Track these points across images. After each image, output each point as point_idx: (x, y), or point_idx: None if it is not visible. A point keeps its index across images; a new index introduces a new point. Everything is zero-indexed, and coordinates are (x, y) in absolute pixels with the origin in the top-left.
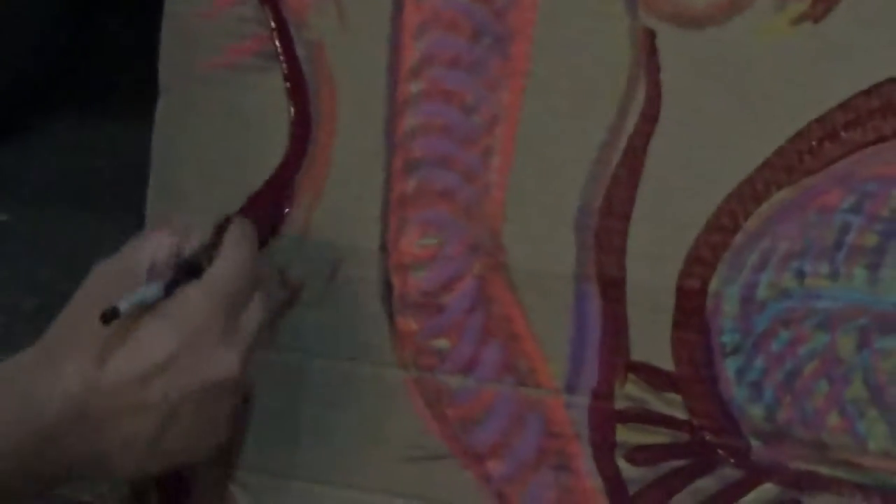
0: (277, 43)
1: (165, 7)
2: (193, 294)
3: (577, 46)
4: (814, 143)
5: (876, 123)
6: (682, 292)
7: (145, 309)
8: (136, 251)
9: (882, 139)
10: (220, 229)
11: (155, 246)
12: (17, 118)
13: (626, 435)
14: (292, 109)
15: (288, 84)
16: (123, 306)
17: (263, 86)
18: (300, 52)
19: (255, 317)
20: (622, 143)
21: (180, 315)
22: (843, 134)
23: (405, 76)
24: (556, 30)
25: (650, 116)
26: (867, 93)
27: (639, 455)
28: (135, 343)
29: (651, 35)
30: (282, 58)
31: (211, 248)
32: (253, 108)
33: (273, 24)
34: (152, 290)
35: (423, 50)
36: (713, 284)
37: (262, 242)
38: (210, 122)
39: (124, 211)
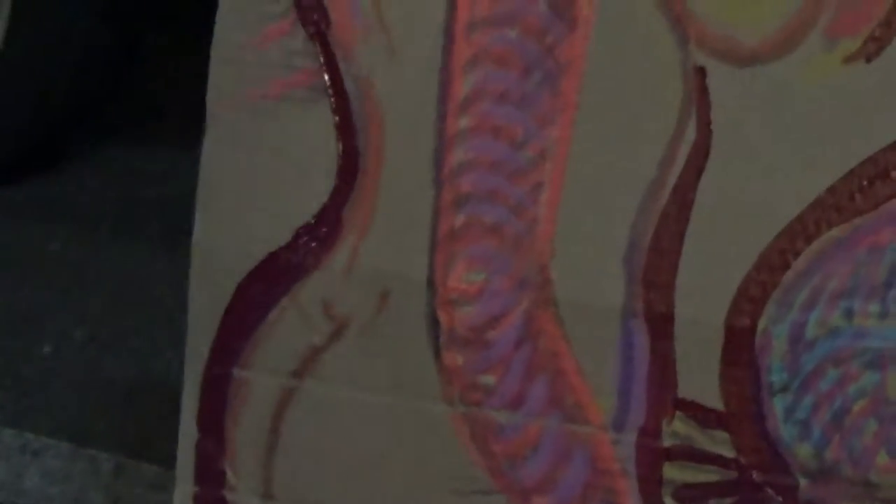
0: (326, 77)
1: (215, 35)
2: None
3: (627, 82)
4: (864, 182)
5: None
6: (730, 330)
7: None
8: None
9: None
10: None
11: None
12: (67, 147)
13: (674, 473)
14: (340, 143)
15: (336, 118)
16: None
17: (312, 119)
18: (348, 85)
19: None
20: (672, 179)
21: None
22: (893, 173)
23: (454, 110)
24: (606, 65)
25: (701, 153)
26: None
27: (686, 493)
28: None
29: (702, 72)
30: (330, 91)
31: None
32: (301, 140)
33: (322, 58)
34: None
35: (472, 84)
36: (762, 322)
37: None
38: (258, 153)
39: (172, 240)
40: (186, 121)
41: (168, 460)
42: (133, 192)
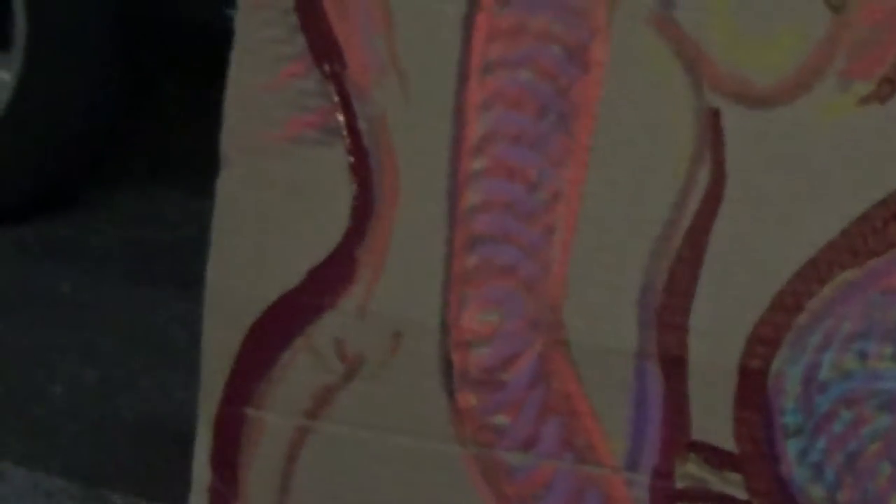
0: (340, 117)
1: (230, 76)
2: None
3: (641, 124)
4: (878, 224)
5: None
6: (744, 372)
7: None
8: None
9: None
10: None
11: None
12: (77, 189)
13: None
14: (354, 184)
15: (351, 158)
16: None
17: (326, 160)
18: (363, 125)
19: None
20: (686, 222)
21: None
22: None
23: (468, 152)
24: (620, 107)
25: (714, 195)
26: None
27: None
28: None
29: (716, 114)
30: (345, 132)
31: None
32: (315, 181)
33: (336, 98)
34: None
35: (487, 126)
36: (775, 364)
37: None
38: (272, 194)
39: (183, 282)
40: (199, 165)
41: (180, 502)
42: (145, 235)
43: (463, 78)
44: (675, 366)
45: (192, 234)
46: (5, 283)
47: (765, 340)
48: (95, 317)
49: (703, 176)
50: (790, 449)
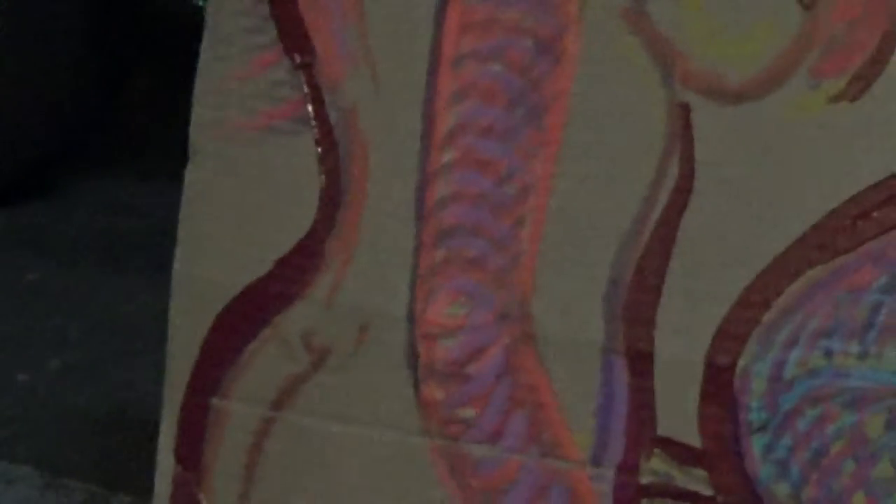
0: (310, 108)
1: (200, 65)
2: None
3: (611, 118)
4: (847, 221)
5: None
6: (710, 368)
7: None
8: None
9: None
10: None
11: None
12: (48, 177)
13: None
14: (323, 175)
15: (319, 149)
16: None
17: (295, 150)
18: (333, 117)
19: None
20: (655, 216)
21: None
22: (875, 213)
23: (438, 144)
24: (591, 101)
25: (683, 189)
26: None
27: None
28: None
29: (686, 109)
30: (314, 123)
31: None
32: (284, 171)
33: (306, 89)
34: None
35: (457, 118)
36: (742, 361)
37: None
38: (240, 184)
39: (153, 272)
40: (166, 154)
41: (143, 492)
42: (112, 223)
43: (434, 70)
44: (641, 361)
45: (163, 223)
46: None
47: (732, 336)
48: (62, 306)
49: (673, 170)
50: (755, 446)
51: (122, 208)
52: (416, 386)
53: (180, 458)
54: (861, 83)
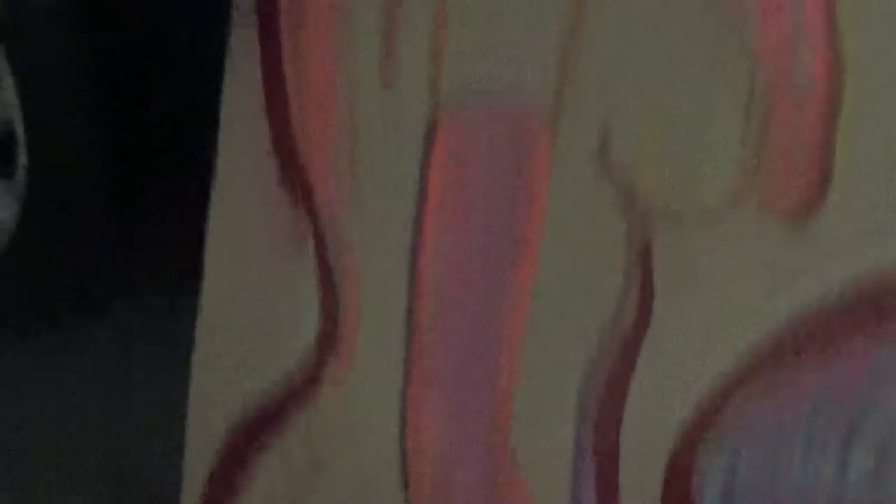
0: (311, 237)
1: (214, 187)
2: None
3: (579, 254)
4: (790, 337)
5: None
6: (670, 469)
7: None
8: None
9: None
10: None
11: None
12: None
13: None
14: (321, 295)
15: (319, 272)
16: None
17: (299, 271)
18: (330, 246)
19: None
20: (618, 341)
21: None
22: (817, 333)
23: (425, 292)
24: (561, 238)
25: (643, 318)
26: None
27: None
28: None
29: (647, 244)
30: (313, 251)
31: None
32: (289, 291)
33: (308, 219)
34: None
35: (441, 254)
36: (699, 462)
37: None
38: (246, 304)
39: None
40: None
41: None
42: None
43: (422, 197)
44: (608, 460)
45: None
46: None
47: (689, 439)
48: None
49: (634, 299)
50: None
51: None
52: (408, 498)
53: None
54: (803, 215)
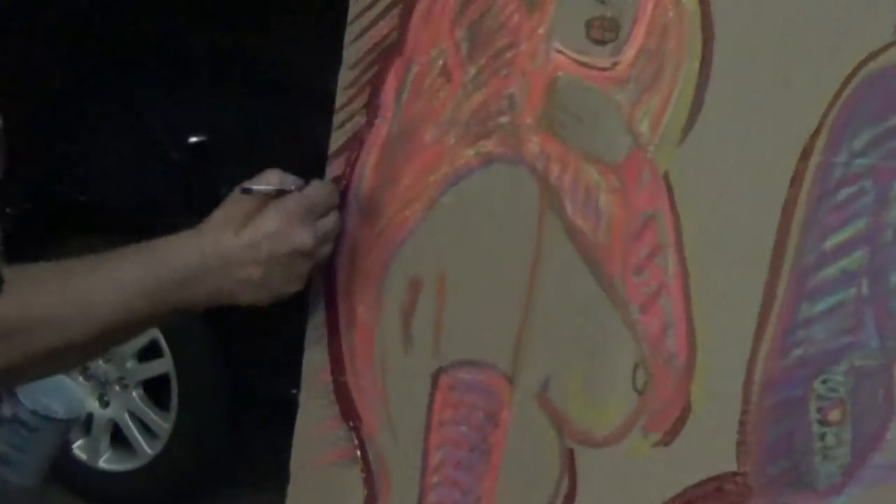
0: (358, 453)
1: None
2: (292, 198)
3: (530, 462)
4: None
5: None
6: None
7: (266, 200)
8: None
9: None
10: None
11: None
12: None
13: None
14: (366, 491)
15: (363, 475)
16: (254, 188)
17: (350, 477)
18: (371, 458)
19: (328, 223)
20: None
21: (283, 207)
22: None
23: (430, 472)
24: (519, 450)
25: (571, 496)
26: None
27: None
28: (258, 220)
29: (571, 452)
30: (360, 462)
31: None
32: (343, 493)
33: (356, 441)
34: (269, 187)
35: (440, 457)
36: None
37: None
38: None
39: None
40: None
41: None
42: None
43: (428, 429)
44: None
45: None
46: None
47: None
48: None
49: (564, 489)
50: None
51: None
52: None
53: None
54: (671, 435)
